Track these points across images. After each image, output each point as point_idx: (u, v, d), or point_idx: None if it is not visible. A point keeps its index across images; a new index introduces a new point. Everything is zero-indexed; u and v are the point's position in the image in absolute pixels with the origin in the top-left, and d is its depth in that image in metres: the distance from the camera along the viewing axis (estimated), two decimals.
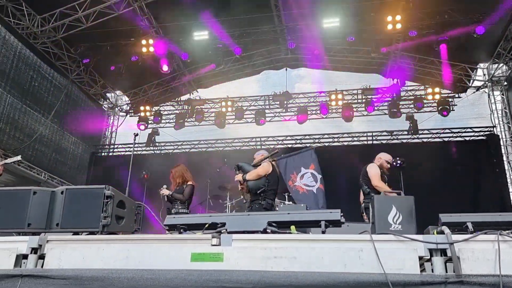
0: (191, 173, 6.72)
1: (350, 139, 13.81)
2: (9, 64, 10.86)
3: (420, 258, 2.29)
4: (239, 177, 5.72)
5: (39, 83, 12.08)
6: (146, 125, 14.76)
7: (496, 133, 12.56)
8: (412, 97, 13.78)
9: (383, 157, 6.36)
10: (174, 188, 6.54)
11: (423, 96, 13.63)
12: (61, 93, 12.80)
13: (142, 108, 14.89)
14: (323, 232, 2.73)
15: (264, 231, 2.79)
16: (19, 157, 5.08)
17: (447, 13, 10.37)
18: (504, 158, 12.13)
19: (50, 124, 12.46)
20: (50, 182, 12.27)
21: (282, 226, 2.85)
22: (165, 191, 6.43)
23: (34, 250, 2.78)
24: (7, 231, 3.11)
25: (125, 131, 15.61)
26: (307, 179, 9.16)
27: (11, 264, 2.72)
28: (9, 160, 5.03)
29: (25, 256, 2.78)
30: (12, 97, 10.97)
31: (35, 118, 11.92)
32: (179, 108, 15.44)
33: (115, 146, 15.69)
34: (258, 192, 5.57)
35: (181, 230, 3.10)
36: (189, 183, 6.49)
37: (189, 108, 14.84)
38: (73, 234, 3.04)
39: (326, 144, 13.77)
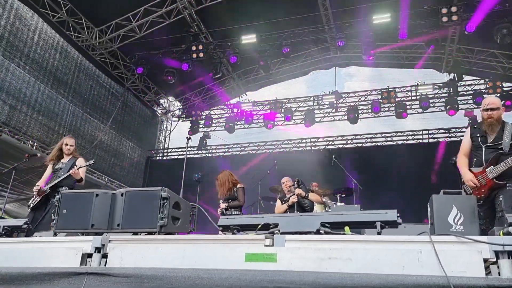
0: (238, 176, 6.76)
1: (404, 137, 13.34)
2: (70, 75, 11.62)
3: (485, 260, 2.16)
4: (301, 191, 6.13)
5: (98, 91, 12.80)
6: (198, 129, 15.14)
7: None
8: (471, 92, 13.04)
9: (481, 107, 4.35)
10: (224, 194, 6.52)
11: (483, 91, 12.85)
12: (118, 101, 13.48)
13: (193, 112, 15.30)
14: (379, 233, 2.65)
15: (317, 232, 2.75)
16: (92, 161, 5.49)
17: (508, 1, 9.73)
18: None
19: (108, 130, 13.15)
20: (110, 185, 12.93)
21: (336, 227, 2.80)
22: (222, 205, 6.41)
23: (98, 249, 2.94)
24: (73, 231, 3.31)
25: (178, 135, 16.14)
26: None
27: (78, 262, 2.89)
28: (83, 164, 5.45)
29: (89, 255, 2.94)
30: (74, 106, 11.71)
31: (95, 125, 12.63)
32: (228, 112, 15.70)
33: (169, 150, 16.23)
34: (310, 211, 6.17)
35: (235, 230, 3.14)
36: (239, 186, 6.45)
37: (239, 111, 15.04)
38: (132, 234, 3.17)
39: (379, 144, 13.38)
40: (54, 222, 3.32)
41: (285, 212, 6.33)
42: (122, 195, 3.23)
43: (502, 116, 4.21)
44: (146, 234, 3.14)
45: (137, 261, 2.81)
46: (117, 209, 3.20)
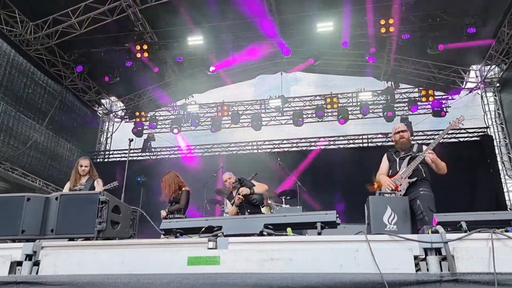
0: (184, 179, 6.69)
1: (345, 141, 13.84)
2: (2, 71, 10.81)
3: (415, 257, 2.30)
4: (246, 190, 5.93)
5: (33, 90, 12.03)
6: (142, 130, 14.73)
7: (489, 133, 12.65)
8: (407, 100, 13.85)
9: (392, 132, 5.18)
10: (168, 196, 6.45)
11: (417, 99, 13.70)
12: (55, 100, 12.76)
13: (137, 113, 14.87)
14: (319, 234, 2.73)
15: (261, 234, 2.79)
16: (116, 183, 5.64)
17: (439, 15, 10.45)
18: (498, 158, 12.20)
19: (45, 131, 12.41)
20: (45, 189, 12.20)
21: (278, 229, 2.86)
22: (163, 213, 6.37)
23: (29, 257, 2.76)
24: (1, 239, 3.08)
25: (120, 137, 15.57)
26: None
27: (6, 272, 2.70)
28: (107, 186, 5.56)
29: (19, 263, 2.75)
30: (5, 104, 10.92)
31: (30, 125, 11.86)
32: (174, 113, 15.42)
33: (111, 152, 15.63)
34: (261, 205, 6.03)
35: (177, 234, 3.10)
36: (184, 189, 6.46)
37: (185, 113, 14.83)
38: (68, 240, 3.02)
39: (322, 147, 13.79)
40: None
41: (237, 213, 6.16)
42: (56, 199, 3.06)
43: (409, 137, 4.99)
44: (83, 240, 3.01)
45: (73, 268, 2.67)
46: (51, 214, 3.02)
